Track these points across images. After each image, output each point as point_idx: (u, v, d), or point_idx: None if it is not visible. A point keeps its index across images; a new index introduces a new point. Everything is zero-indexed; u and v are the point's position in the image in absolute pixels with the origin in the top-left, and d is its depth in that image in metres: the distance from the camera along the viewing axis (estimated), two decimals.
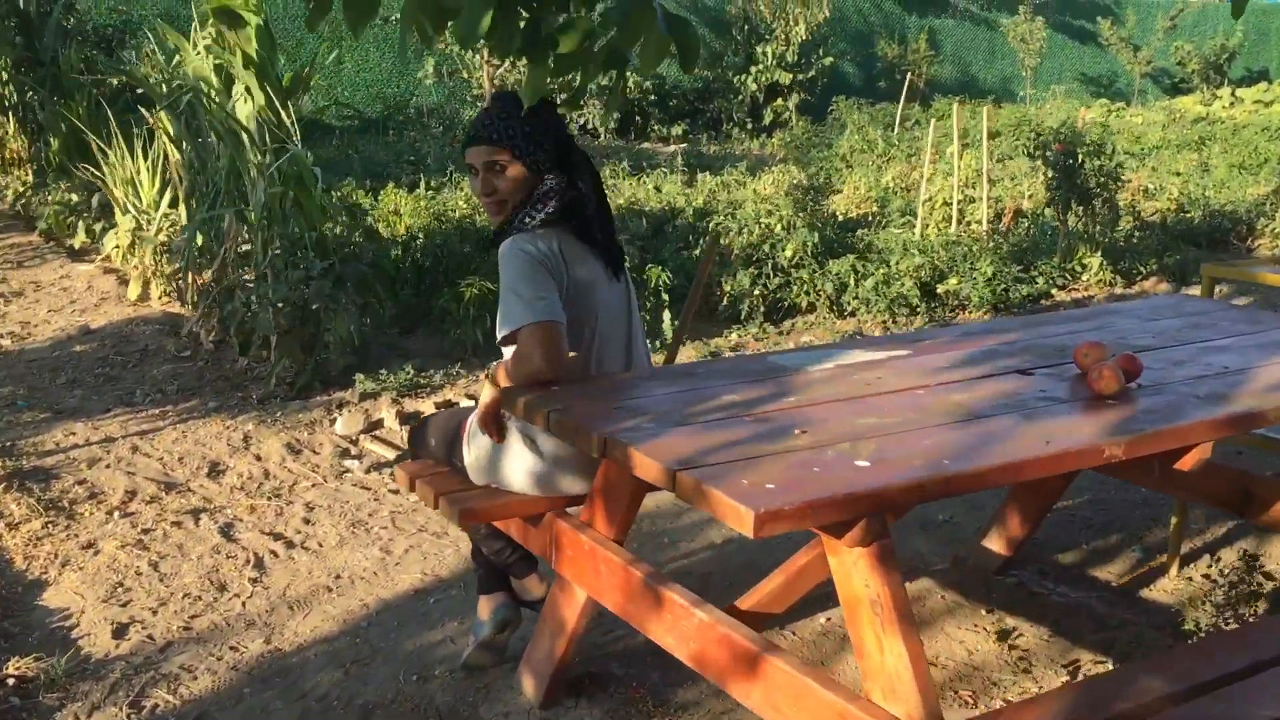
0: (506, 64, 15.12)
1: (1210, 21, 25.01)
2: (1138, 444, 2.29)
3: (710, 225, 7.43)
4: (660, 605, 2.42)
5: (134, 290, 6.61)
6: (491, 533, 3.06)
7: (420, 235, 7.08)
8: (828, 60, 17.27)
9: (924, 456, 2.10)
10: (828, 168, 12.04)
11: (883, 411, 2.38)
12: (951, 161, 8.46)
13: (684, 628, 2.37)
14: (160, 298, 6.69)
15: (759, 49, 16.96)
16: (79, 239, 8.24)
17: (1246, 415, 2.44)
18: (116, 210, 7.35)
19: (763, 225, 7.26)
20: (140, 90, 6.89)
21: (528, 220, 2.70)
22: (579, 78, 2.37)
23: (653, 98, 17.39)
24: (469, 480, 2.89)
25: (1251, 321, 3.26)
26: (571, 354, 2.66)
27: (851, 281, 6.90)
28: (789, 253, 6.96)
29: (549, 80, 2.39)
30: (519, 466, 2.79)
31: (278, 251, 5.14)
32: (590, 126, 16.69)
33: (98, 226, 8.06)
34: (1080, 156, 7.48)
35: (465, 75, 15.48)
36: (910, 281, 6.81)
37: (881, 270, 6.88)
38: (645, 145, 16.41)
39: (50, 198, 8.81)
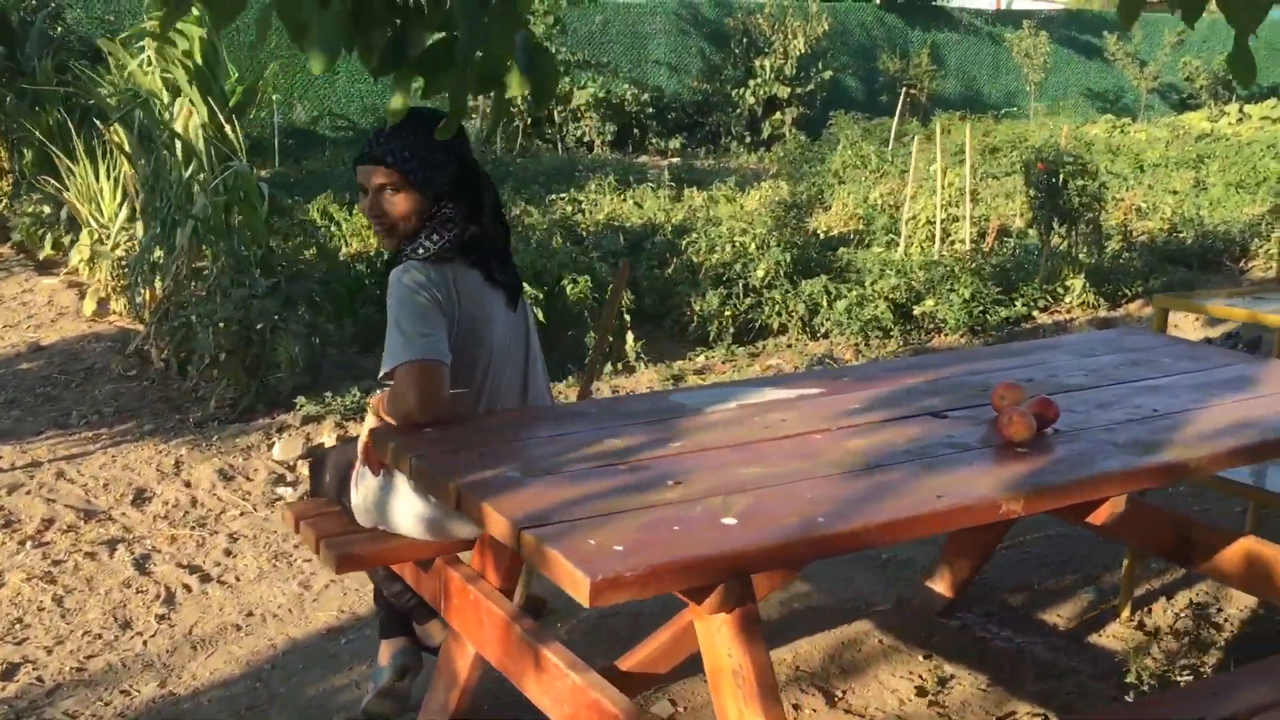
0: None
1: (1220, 37, 24.78)
2: (1038, 499, 2.13)
3: (686, 244, 7.28)
4: (537, 664, 2.27)
5: (89, 306, 6.49)
6: (390, 575, 2.91)
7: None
8: (826, 74, 17.11)
9: (800, 513, 1.95)
10: (820, 183, 11.88)
11: (771, 460, 2.23)
12: (938, 179, 8.30)
13: (559, 689, 2.21)
14: (118, 314, 6.57)
15: (758, 62, 16.82)
16: (47, 252, 8.14)
17: (1165, 467, 2.27)
18: (81, 224, 7.24)
19: (736, 244, 7.11)
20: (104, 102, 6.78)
21: (420, 250, 2.55)
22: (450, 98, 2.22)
23: (650, 110, 17.25)
24: (356, 522, 2.74)
25: (1195, 358, 3.09)
26: (459, 391, 2.51)
27: (824, 303, 6.74)
28: (760, 272, 6.80)
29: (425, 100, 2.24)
30: (407, 509, 2.64)
31: (220, 269, 5.01)
32: (586, 139, 16.57)
33: (66, 239, 7.96)
34: (1062, 176, 7.31)
35: None
36: (884, 303, 6.64)
37: (855, 291, 6.72)
38: (643, 158, 16.28)
39: (23, 209, 8.72)
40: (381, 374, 2.43)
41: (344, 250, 7.48)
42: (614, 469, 2.15)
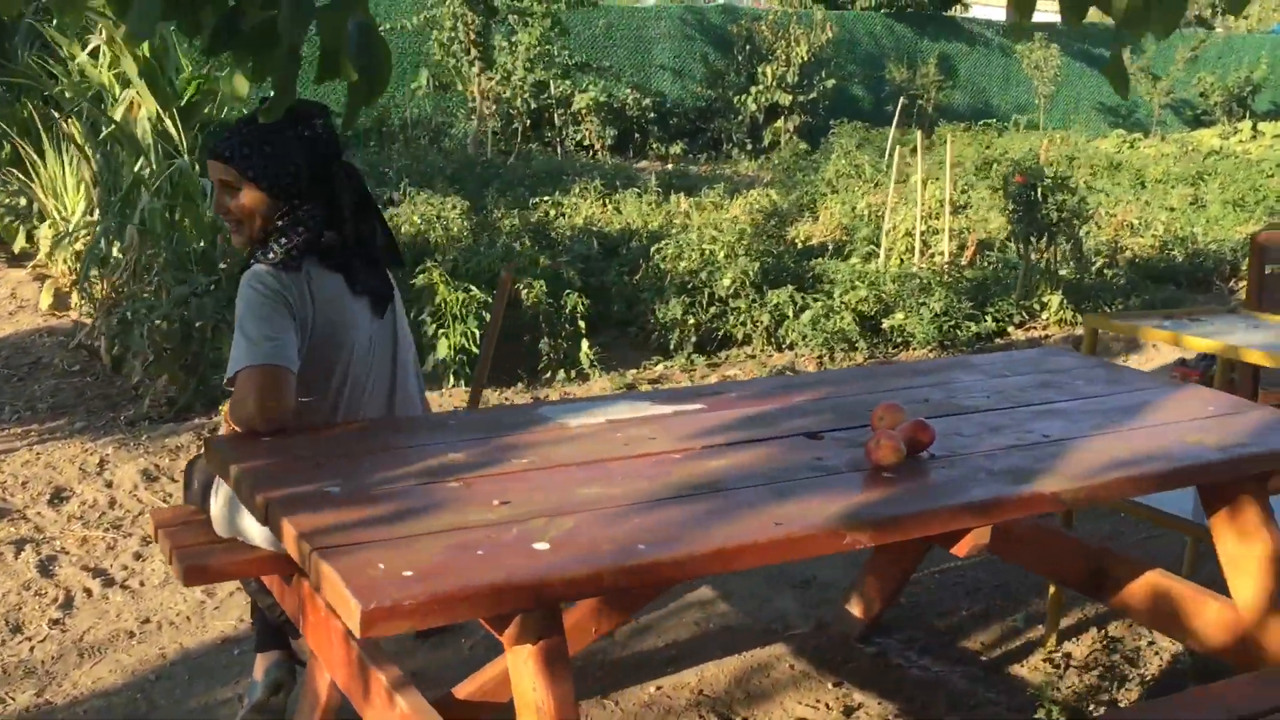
0: (499, 75, 14.97)
1: (1235, 53, 24.51)
2: (888, 530, 2.01)
3: (654, 251, 7.17)
4: (368, 687, 2.17)
5: (45, 299, 6.43)
6: (263, 587, 2.82)
7: None
8: (830, 82, 16.97)
9: (622, 539, 1.84)
10: (812, 192, 11.75)
11: (616, 480, 2.12)
12: (918, 190, 8.17)
13: (388, 716, 2.11)
14: (76, 309, 6.51)
15: (760, 69, 16.69)
16: (20, 244, 8.09)
17: (1034, 498, 2.15)
18: (46, 217, 7.19)
19: (705, 252, 7.00)
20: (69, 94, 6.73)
21: (270, 252, 2.45)
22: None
23: (652, 115, 17.15)
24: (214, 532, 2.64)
25: (1111, 382, 2.97)
26: (309, 399, 2.42)
27: (790, 313, 6.62)
28: (726, 281, 6.69)
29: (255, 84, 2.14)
30: (254, 520, 2.54)
31: (162, 266, 4.93)
32: (586, 143, 16.48)
33: (37, 232, 7.91)
34: (1040, 190, 7.17)
35: (460, 87, 15.32)
36: (850, 315, 6.52)
37: (820, 303, 6.60)
38: (642, 163, 16.18)
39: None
40: (225, 380, 2.34)
41: None
42: (443, 486, 2.05)
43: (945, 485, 2.17)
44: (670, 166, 15.07)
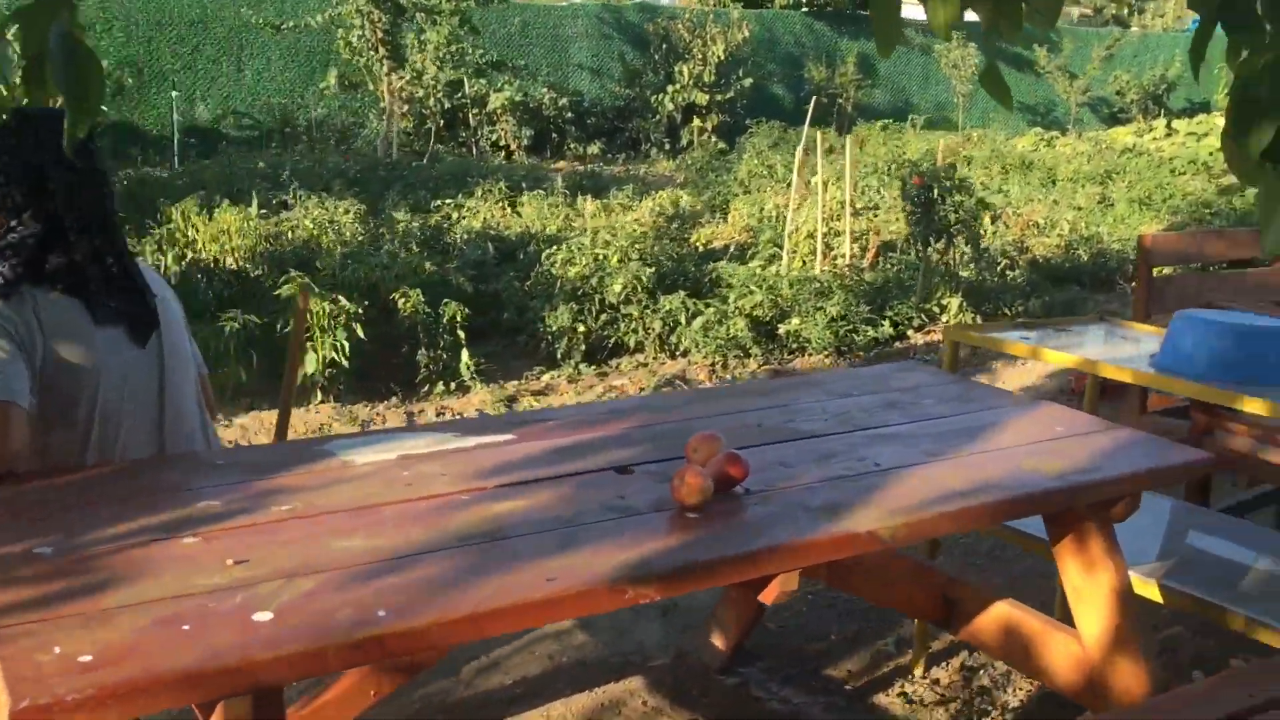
0: (408, 74, 14.64)
1: (1151, 51, 24.86)
2: (677, 582, 1.82)
3: (545, 256, 6.96)
4: None
5: None
6: None
7: (228, 260, 6.57)
8: (747, 81, 16.87)
9: (364, 604, 1.62)
10: (725, 192, 11.61)
11: (384, 528, 1.90)
12: (818, 192, 8.04)
13: None
14: None
15: (678, 68, 16.54)
16: None
17: (841, 539, 1.97)
18: None
19: (597, 257, 6.80)
20: None
21: None
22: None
23: (569, 115, 16.93)
24: None
25: (961, 400, 2.81)
26: (47, 437, 2.16)
27: (683, 319, 6.44)
28: (617, 287, 6.49)
29: None
30: None
31: None
32: (502, 143, 16.21)
33: None
34: (936, 190, 7.07)
35: (371, 86, 14.97)
36: (743, 321, 6.35)
37: (712, 309, 6.43)
38: (560, 164, 15.96)
39: None
40: None
41: (189, 256, 7.10)
42: (177, 542, 1.81)
43: (750, 526, 1.99)
44: (584, 167, 14.85)
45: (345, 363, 5.23)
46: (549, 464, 2.25)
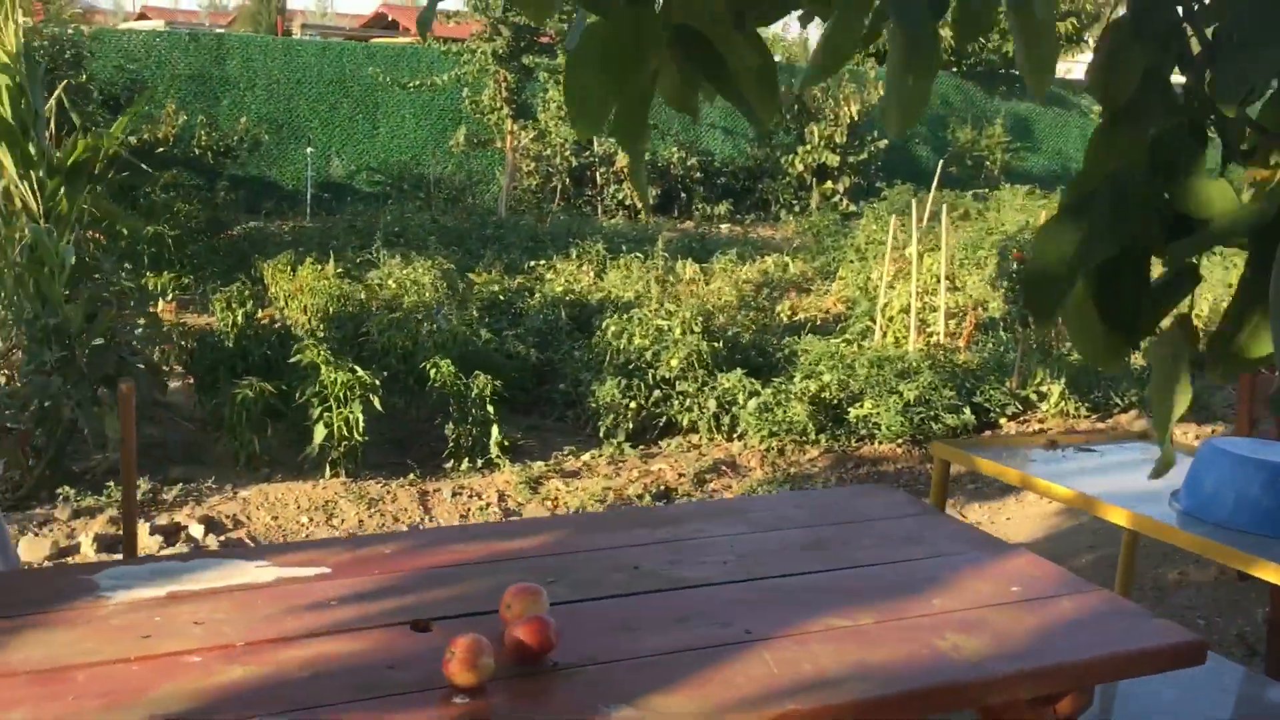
0: (530, 133, 14.65)
1: None
2: None
3: (606, 324, 6.61)
4: None
5: None
6: None
7: (287, 318, 6.45)
8: (882, 142, 16.29)
9: None
10: (839, 258, 11.10)
11: (57, 700, 1.56)
12: (914, 263, 7.50)
13: None
14: None
15: (809, 128, 16.11)
16: None
17: None
18: None
19: (659, 328, 6.43)
20: None
21: None
22: None
23: (698, 174, 16.67)
24: None
25: (912, 541, 2.31)
26: None
27: (741, 399, 5.99)
28: (674, 362, 6.10)
29: None
30: None
31: (5, 339, 4.56)
32: (629, 203, 16.06)
33: None
34: None
35: (499, 144, 15.05)
36: (801, 404, 5.86)
37: (770, 389, 5.96)
38: (687, 224, 15.71)
39: None
40: None
41: (260, 314, 7.02)
42: None
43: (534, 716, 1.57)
44: (698, 228, 14.54)
45: (358, 437, 4.98)
46: (341, 608, 1.88)
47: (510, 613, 1.81)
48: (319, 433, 4.92)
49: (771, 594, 2.05)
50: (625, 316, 6.55)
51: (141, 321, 5.15)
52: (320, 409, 5.03)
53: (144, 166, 8.00)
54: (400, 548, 2.17)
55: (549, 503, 5.07)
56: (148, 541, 4.28)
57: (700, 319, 6.49)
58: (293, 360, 5.15)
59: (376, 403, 5.05)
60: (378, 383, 5.07)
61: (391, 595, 1.95)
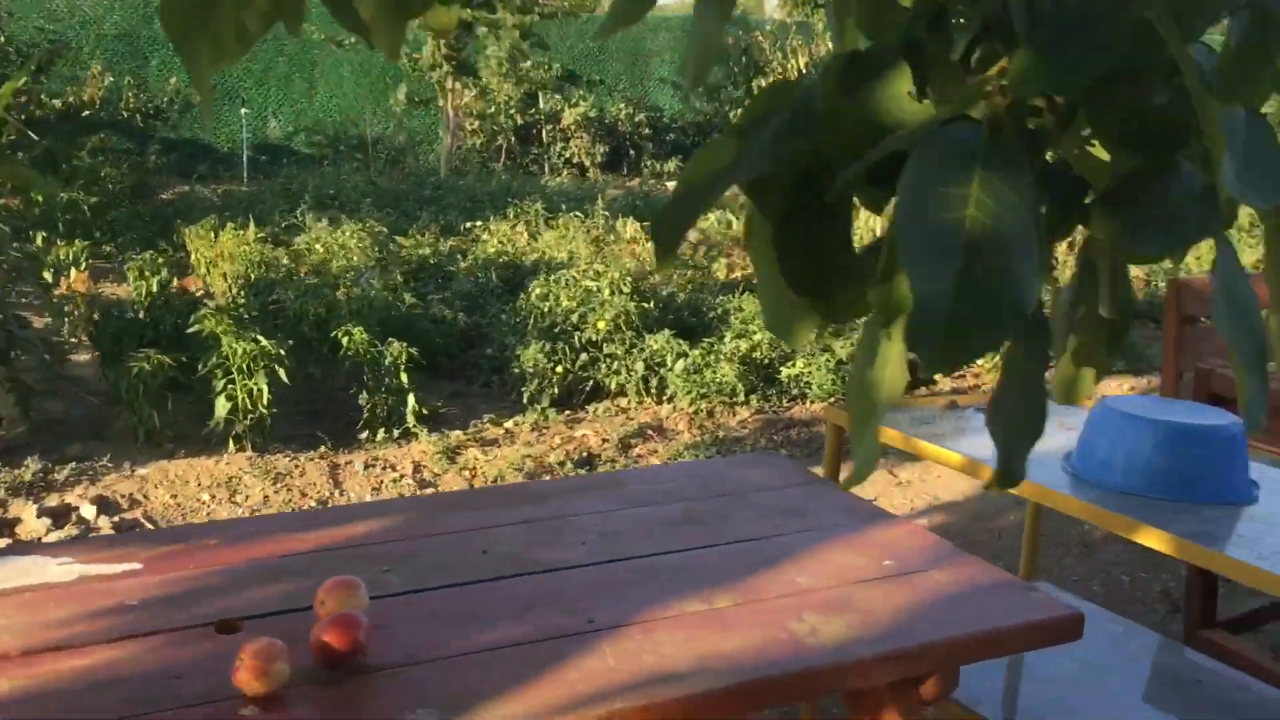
0: (472, 90, 14.36)
1: None
2: None
3: (533, 286, 6.44)
4: None
5: None
6: None
7: (210, 286, 6.22)
8: None
9: None
10: None
11: None
12: (860, 217, 7.34)
13: None
14: None
15: (756, 82, 15.88)
16: None
17: None
18: None
19: (582, 289, 6.26)
20: None
21: None
22: None
23: (647, 131, 16.44)
24: None
25: (793, 513, 2.17)
26: None
27: (668, 361, 5.84)
28: (601, 324, 5.93)
29: None
30: None
31: None
32: (576, 160, 15.82)
33: None
34: None
35: (441, 102, 14.71)
36: (730, 366, 5.72)
37: (699, 350, 5.81)
38: (634, 182, 15.48)
39: None
40: None
41: (175, 282, 6.77)
42: None
43: None
44: (644, 185, 14.32)
45: (264, 409, 4.79)
46: (138, 614, 1.71)
47: (324, 609, 1.66)
48: (221, 406, 4.73)
49: (629, 577, 1.91)
50: (552, 278, 6.37)
51: (29, 291, 4.92)
52: (224, 381, 4.84)
53: (68, 130, 7.72)
54: (225, 538, 2.01)
55: (466, 472, 4.92)
56: (35, 525, 4.08)
57: (629, 279, 6.33)
58: (192, 330, 4.93)
59: (283, 373, 4.85)
60: (283, 352, 4.87)
61: (204, 593, 1.79)
